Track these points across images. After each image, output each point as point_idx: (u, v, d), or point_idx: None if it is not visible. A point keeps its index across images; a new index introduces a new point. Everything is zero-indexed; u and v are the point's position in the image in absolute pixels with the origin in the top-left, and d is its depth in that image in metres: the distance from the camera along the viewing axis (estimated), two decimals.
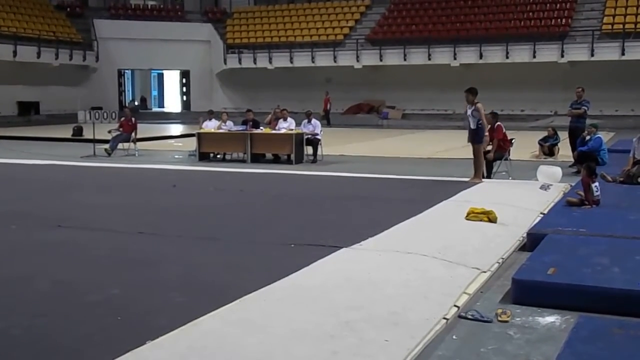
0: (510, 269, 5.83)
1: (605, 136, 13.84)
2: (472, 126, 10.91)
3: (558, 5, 30.73)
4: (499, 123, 12.00)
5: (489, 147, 11.62)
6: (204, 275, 5.64)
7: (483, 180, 10.99)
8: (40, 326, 4.37)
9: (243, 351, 3.89)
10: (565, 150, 14.52)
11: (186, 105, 37.30)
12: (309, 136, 15.25)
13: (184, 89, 37.78)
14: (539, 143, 15.57)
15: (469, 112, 10.94)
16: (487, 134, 10.94)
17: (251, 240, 6.88)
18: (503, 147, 11.99)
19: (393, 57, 31.14)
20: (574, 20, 29.86)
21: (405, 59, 30.80)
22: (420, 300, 4.85)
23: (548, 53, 28.41)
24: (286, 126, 15.45)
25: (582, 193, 8.26)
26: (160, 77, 41.34)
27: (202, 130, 16.10)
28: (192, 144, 16.40)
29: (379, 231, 6.98)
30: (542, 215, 8.07)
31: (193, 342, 4.00)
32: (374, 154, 16.73)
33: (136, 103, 38.09)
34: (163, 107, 40.79)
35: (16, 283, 5.39)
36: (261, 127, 15.84)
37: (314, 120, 15.64)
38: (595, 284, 5.01)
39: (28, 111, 31.23)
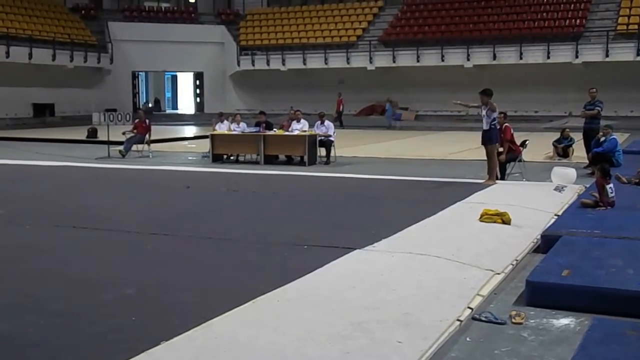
0: (524, 271, 5.80)
1: (620, 137, 13.76)
2: (485, 127, 10.89)
3: (572, 6, 30.58)
4: (507, 124, 11.89)
5: (500, 149, 11.58)
6: (218, 275, 5.66)
7: (497, 181, 10.95)
8: (54, 325, 4.40)
9: (256, 352, 3.90)
10: (579, 152, 14.44)
11: (200, 106, 37.48)
12: (322, 137, 15.26)
13: (198, 91, 37.97)
14: (553, 144, 15.49)
15: (483, 112, 10.91)
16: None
17: (264, 241, 6.90)
18: (513, 149, 11.91)
19: (406, 59, 31.13)
20: (588, 21, 29.71)
21: (418, 60, 30.79)
22: (434, 302, 4.84)
23: (562, 54, 28.30)
24: (299, 127, 15.46)
25: (597, 194, 8.21)
26: (174, 78, 41.56)
27: (215, 132, 16.16)
28: (205, 145, 16.46)
29: (392, 232, 6.98)
30: (556, 217, 8.02)
31: (207, 343, 4.02)
32: (387, 156, 16.71)
33: (150, 105, 38.30)
34: (177, 108, 41.00)
35: (30, 282, 5.43)
36: (274, 129, 15.87)
37: (326, 122, 15.64)
38: (610, 285, 4.98)
39: (43, 113, 31.49)
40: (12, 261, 6.21)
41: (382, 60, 31.73)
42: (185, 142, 21.94)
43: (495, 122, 10.84)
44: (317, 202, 9.60)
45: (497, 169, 11.26)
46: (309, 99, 31.09)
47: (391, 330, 4.23)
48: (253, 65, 34.50)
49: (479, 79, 28.73)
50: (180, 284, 5.35)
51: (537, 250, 6.74)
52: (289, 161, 15.39)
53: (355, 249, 6.31)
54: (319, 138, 15.21)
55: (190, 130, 28.36)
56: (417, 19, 33.68)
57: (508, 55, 29.21)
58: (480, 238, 6.87)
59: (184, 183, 11.21)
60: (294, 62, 33.38)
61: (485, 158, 11.14)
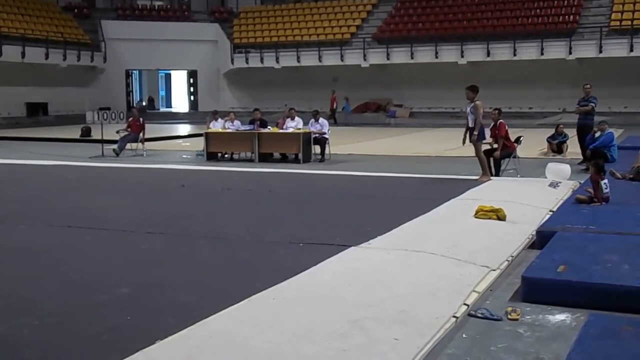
0: (520, 267, 5.81)
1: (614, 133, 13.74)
2: (471, 124, 10.91)
3: (566, 2, 30.63)
4: (501, 120, 11.86)
5: (495, 145, 11.58)
6: (213, 274, 5.65)
7: (491, 178, 10.96)
8: (49, 326, 4.38)
9: (252, 350, 3.89)
10: (573, 148, 14.46)
11: (194, 105, 37.40)
12: (317, 135, 15.24)
13: (192, 89, 37.88)
14: (547, 140, 15.52)
15: (468, 109, 10.95)
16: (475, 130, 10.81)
17: (259, 240, 6.89)
18: (507, 146, 11.89)
19: (400, 56, 31.10)
20: (581, 17, 29.76)
21: (412, 57, 30.76)
22: (430, 299, 4.84)
23: (556, 50, 28.33)
24: (294, 125, 15.44)
25: (591, 190, 8.23)
26: (168, 77, 41.48)
27: (209, 130, 16.13)
28: (200, 143, 16.43)
29: (387, 230, 6.97)
30: (551, 213, 8.04)
31: (202, 342, 4.00)
32: (382, 153, 16.71)
33: (144, 103, 38.20)
34: (171, 107, 40.93)
35: (25, 283, 5.41)
36: (269, 127, 15.85)
37: (321, 120, 15.63)
38: (606, 281, 4.98)
39: (37, 112, 31.38)
40: (6, 261, 6.18)
41: (376, 57, 31.68)
42: (180, 141, 21.89)
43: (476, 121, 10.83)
44: (312, 200, 9.59)
45: (488, 164, 11.22)
46: (303, 97, 31.05)
47: (387, 328, 4.22)
48: (247, 63, 34.42)
49: (473, 76, 28.78)
50: (175, 283, 5.33)
51: (532, 246, 6.75)
52: (284, 159, 15.37)
53: (350, 246, 6.30)
54: (313, 136, 15.19)
55: (184, 129, 28.28)
56: (411, 16, 33.67)
57: (502, 52, 29.22)
58: (476, 234, 6.87)
59: (178, 182, 11.19)
60: (288, 60, 33.32)
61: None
